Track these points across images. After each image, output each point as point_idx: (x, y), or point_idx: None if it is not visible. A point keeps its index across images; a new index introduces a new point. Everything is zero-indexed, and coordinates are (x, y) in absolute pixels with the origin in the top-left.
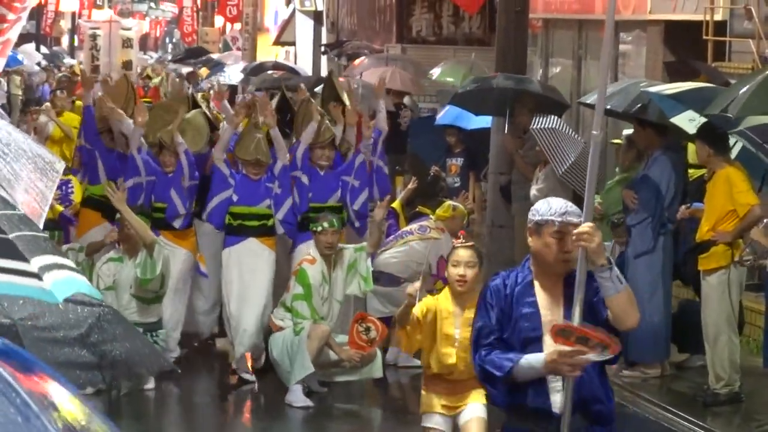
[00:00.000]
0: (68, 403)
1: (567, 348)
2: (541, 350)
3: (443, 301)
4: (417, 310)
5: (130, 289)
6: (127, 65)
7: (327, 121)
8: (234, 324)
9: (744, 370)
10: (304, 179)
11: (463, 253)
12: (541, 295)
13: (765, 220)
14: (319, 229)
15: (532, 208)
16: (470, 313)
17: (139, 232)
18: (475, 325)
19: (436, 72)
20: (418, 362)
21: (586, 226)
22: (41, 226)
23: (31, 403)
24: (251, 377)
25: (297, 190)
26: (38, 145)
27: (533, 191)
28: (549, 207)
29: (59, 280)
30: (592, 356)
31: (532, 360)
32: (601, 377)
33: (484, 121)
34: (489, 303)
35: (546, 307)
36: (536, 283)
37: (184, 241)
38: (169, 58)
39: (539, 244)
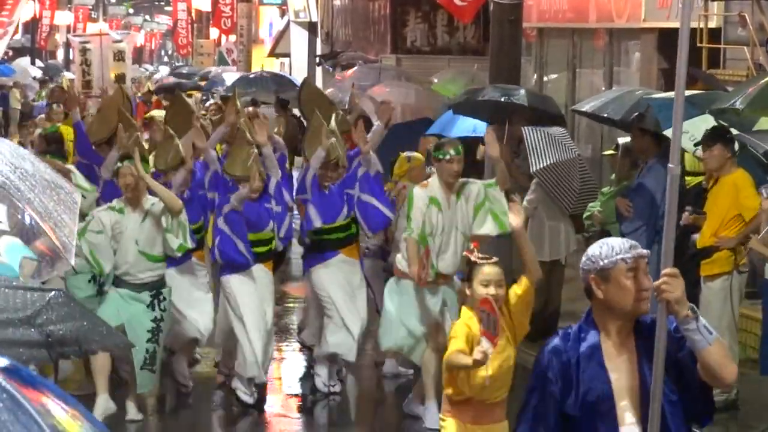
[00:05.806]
0: (64, 414)
1: None
2: (614, 425)
3: (472, 323)
4: (463, 344)
5: (136, 245)
6: (120, 78)
7: (334, 140)
8: (246, 349)
9: (739, 378)
10: (310, 206)
11: (490, 271)
12: (610, 356)
13: (763, 231)
14: (447, 157)
15: (587, 257)
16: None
17: (167, 202)
18: (528, 396)
19: (435, 81)
20: (409, 371)
21: (667, 273)
22: (72, 262)
23: (32, 411)
24: (249, 399)
25: (306, 212)
26: (57, 174)
27: (523, 202)
28: (611, 248)
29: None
30: None
31: None
32: None
33: (466, 130)
34: (546, 375)
35: (617, 369)
36: (603, 344)
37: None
38: (167, 72)
39: (612, 292)
